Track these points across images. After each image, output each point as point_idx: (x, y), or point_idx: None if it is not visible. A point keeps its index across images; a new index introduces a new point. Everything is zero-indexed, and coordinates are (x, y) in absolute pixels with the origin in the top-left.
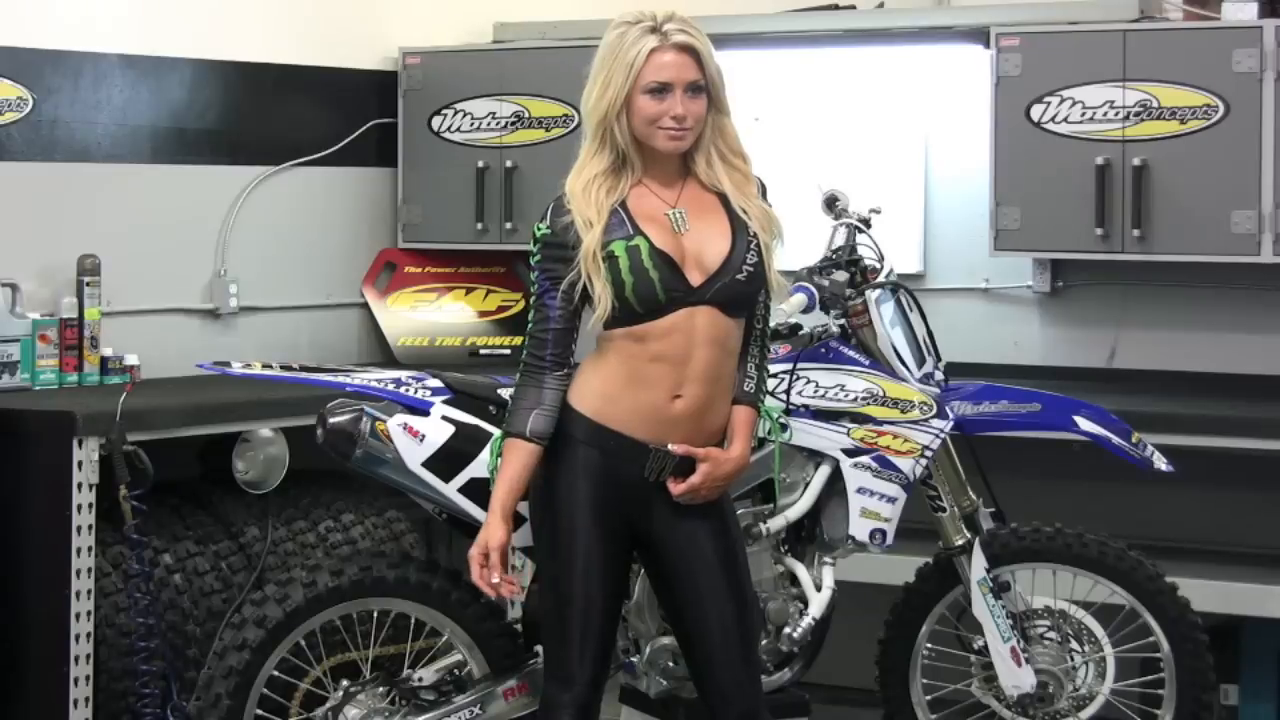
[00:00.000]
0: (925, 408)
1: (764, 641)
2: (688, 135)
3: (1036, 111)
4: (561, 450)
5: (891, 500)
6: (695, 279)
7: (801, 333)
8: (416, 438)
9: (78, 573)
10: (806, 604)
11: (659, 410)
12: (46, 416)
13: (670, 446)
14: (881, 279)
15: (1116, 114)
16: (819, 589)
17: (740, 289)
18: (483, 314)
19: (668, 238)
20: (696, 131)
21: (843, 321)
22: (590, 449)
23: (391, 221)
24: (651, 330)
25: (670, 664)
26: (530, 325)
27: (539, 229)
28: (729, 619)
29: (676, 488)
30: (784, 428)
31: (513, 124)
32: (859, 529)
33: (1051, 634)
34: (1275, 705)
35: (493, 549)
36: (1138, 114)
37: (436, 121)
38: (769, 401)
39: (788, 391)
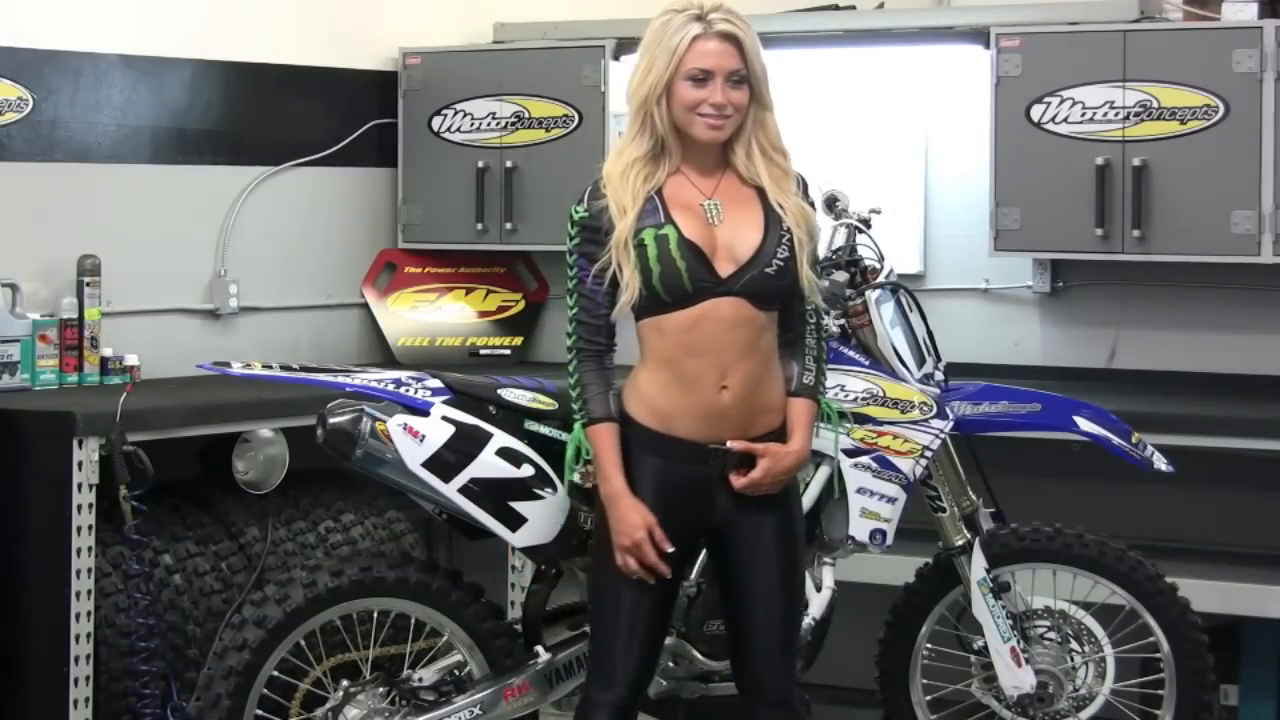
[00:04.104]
0: (925, 408)
1: None
2: (726, 125)
3: (1036, 111)
4: (626, 458)
5: (891, 500)
6: (725, 270)
7: None
8: (416, 438)
9: (78, 573)
10: (807, 604)
11: (710, 405)
12: (46, 416)
13: (729, 444)
14: (881, 279)
15: (1116, 114)
16: (819, 589)
17: (769, 282)
18: (483, 314)
19: (700, 228)
20: (736, 122)
21: (843, 322)
22: (653, 456)
23: (391, 221)
24: (681, 320)
25: (670, 664)
26: (577, 311)
27: (576, 211)
28: (776, 608)
29: (739, 481)
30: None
31: (513, 124)
32: (859, 529)
33: (1051, 634)
34: (1275, 705)
35: (652, 525)
36: (1138, 114)
37: (436, 121)
38: None
39: None
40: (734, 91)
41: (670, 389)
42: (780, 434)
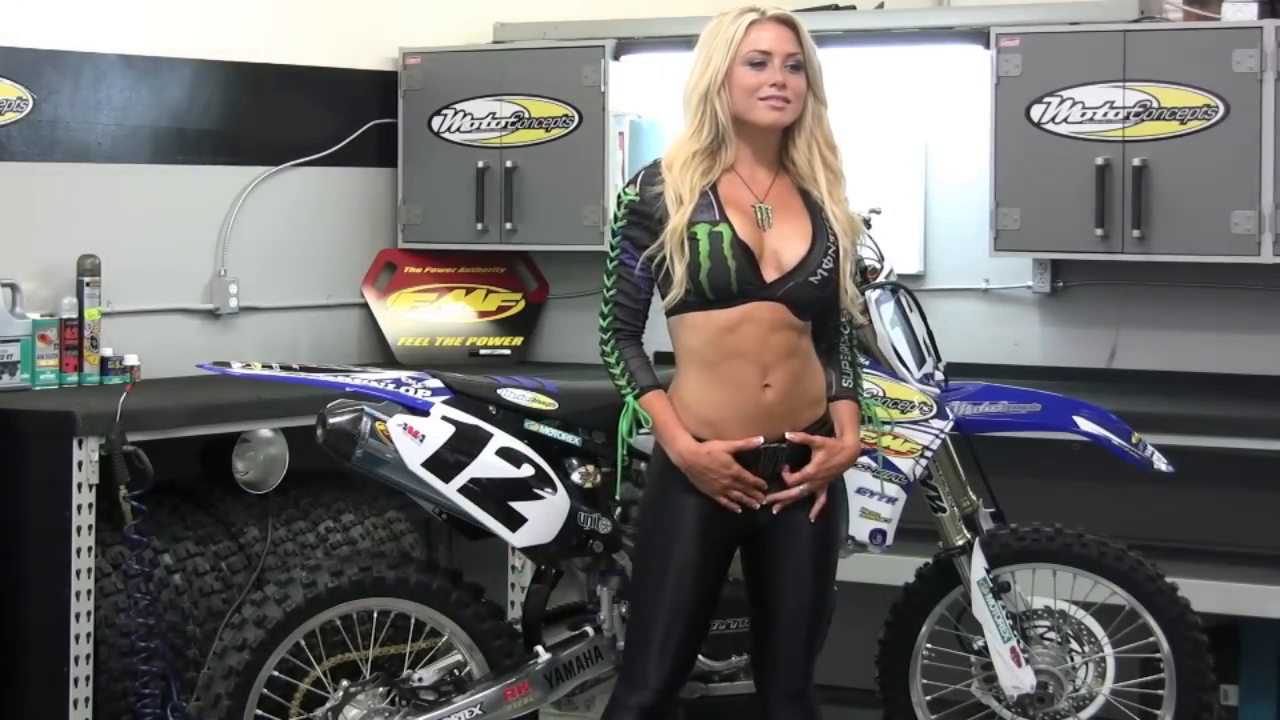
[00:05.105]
0: (925, 408)
1: None
2: (788, 109)
3: (1036, 112)
4: (677, 470)
5: (891, 500)
6: (770, 275)
7: None
8: (416, 438)
9: (78, 573)
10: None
11: (755, 405)
12: (46, 416)
13: (787, 435)
14: (881, 279)
15: (1116, 114)
16: None
17: (812, 292)
18: (483, 314)
19: (750, 229)
20: (797, 109)
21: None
22: None
23: (391, 221)
24: (721, 321)
25: None
26: (615, 293)
27: (626, 194)
28: (805, 601)
29: (791, 477)
30: (885, 423)
31: (513, 124)
32: (859, 529)
33: (1051, 634)
34: (1275, 705)
35: (731, 462)
36: (1138, 114)
37: (436, 121)
38: None
39: None
40: (792, 76)
41: (714, 393)
42: (824, 424)
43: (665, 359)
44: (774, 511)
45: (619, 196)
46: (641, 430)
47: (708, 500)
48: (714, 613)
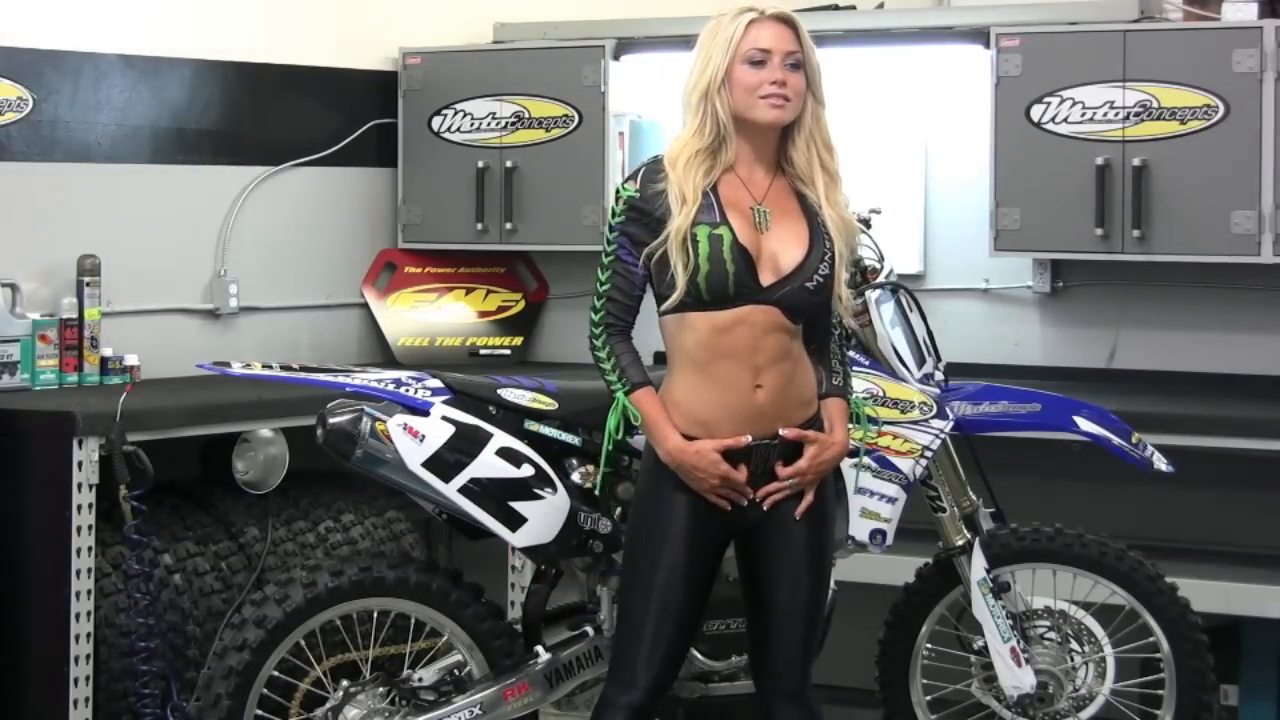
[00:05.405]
0: (925, 408)
1: None
2: (788, 107)
3: (1036, 112)
4: (667, 470)
5: (891, 500)
6: (766, 279)
7: None
8: (416, 438)
9: (78, 573)
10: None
11: (747, 405)
12: (46, 416)
13: (781, 431)
14: (881, 279)
15: (1116, 114)
16: None
17: (807, 297)
18: (482, 314)
19: (750, 232)
20: (796, 108)
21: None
22: None
23: (391, 221)
24: (716, 322)
25: None
26: (609, 288)
27: (626, 189)
28: (800, 600)
29: (784, 471)
30: (873, 421)
31: (513, 124)
32: (859, 529)
33: (1051, 634)
34: (1275, 705)
35: (719, 460)
36: (1138, 114)
37: (436, 121)
38: None
39: None
40: (792, 74)
41: (706, 392)
42: (814, 424)
43: (664, 360)
44: (764, 508)
45: (618, 191)
46: (636, 433)
47: (698, 499)
48: (704, 611)
